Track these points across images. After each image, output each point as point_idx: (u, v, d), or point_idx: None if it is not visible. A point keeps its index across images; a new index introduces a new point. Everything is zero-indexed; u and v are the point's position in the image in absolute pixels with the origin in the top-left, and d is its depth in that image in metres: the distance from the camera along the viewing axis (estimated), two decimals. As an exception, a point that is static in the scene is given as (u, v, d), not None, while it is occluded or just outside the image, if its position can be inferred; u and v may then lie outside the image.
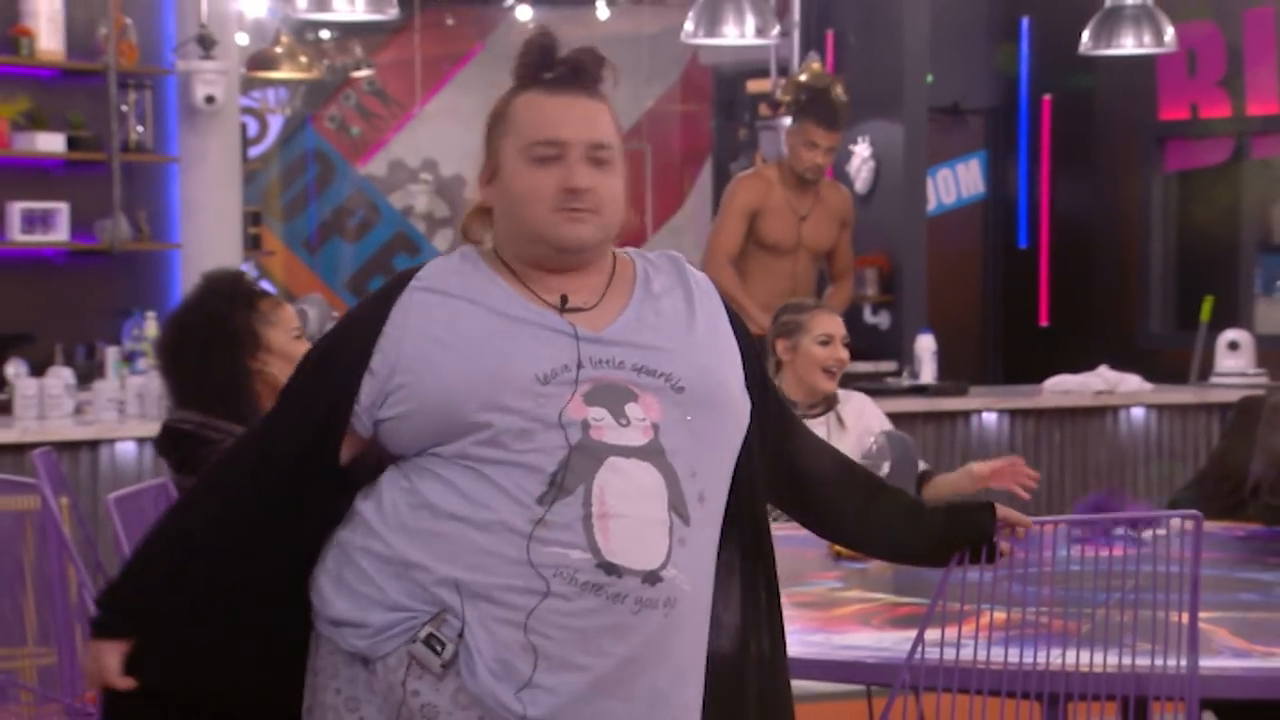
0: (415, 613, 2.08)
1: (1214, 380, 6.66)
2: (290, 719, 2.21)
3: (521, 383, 2.09)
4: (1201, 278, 7.76)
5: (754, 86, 8.72)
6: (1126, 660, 2.67)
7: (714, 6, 5.96)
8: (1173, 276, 8.08)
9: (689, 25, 6.08)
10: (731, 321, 2.27)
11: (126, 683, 2.18)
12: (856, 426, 4.23)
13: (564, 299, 2.17)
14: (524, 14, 9.69)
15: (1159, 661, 2.66)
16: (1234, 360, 6.70)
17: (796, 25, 7.53)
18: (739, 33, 6.01)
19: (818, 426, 4.12)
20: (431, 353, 2.13)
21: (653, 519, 2.09)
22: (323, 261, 10.02)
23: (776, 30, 6.26)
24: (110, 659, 2.18)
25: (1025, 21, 8.32)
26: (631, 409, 2.11)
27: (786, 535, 3.96)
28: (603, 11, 9.56)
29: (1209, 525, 3.44)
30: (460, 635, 2.06)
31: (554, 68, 2.20)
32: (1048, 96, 8.32)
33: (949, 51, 7.97)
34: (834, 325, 4.22)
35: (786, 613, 2.77)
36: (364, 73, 9.60)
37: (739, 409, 2.21)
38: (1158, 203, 8.09)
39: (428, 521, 2.09)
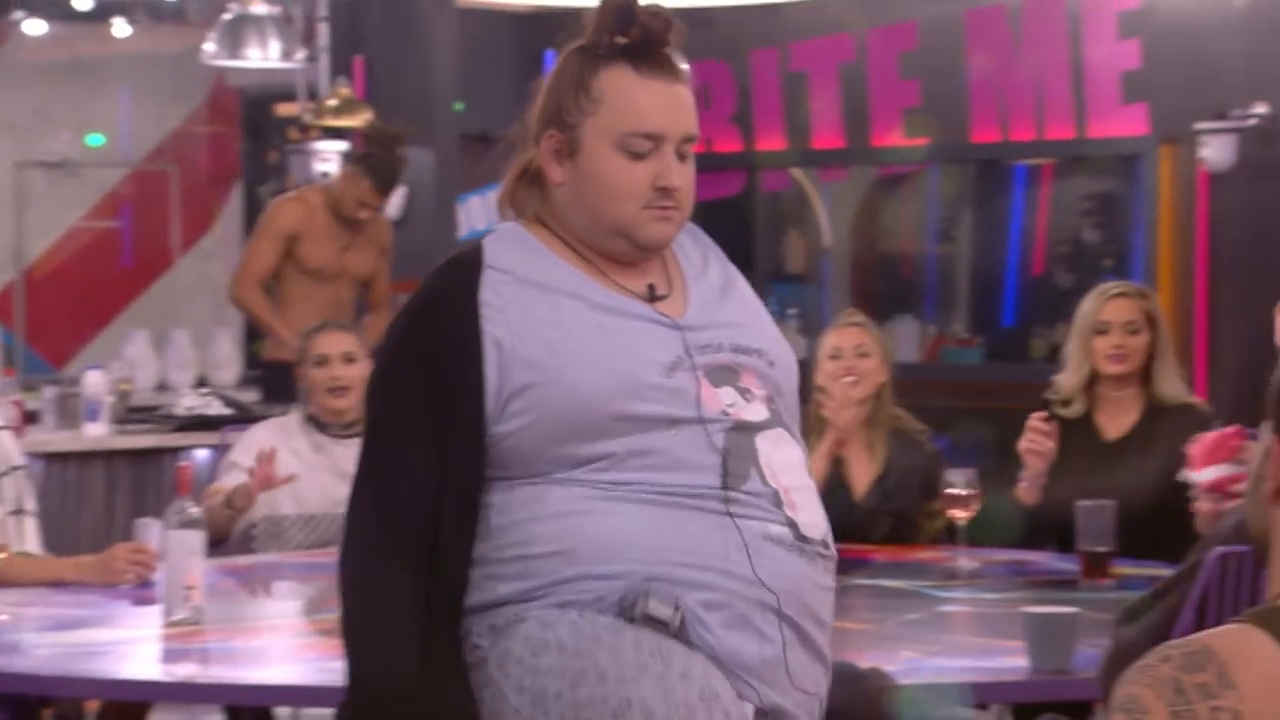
0: (609, 590, 1.94)
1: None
2: None
3: (654, 377, 1.98)
4: (718, 304, 8.05)
5: (283, 110, 8.55)
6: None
7: (236, 28, 5.81)
8: (692, 303, 8.36)
9: (210, 46, 5.91)
10: None
11: None
12: None
13: (651, 288, 2.05)
14: (34, 28, 9.20)
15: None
16: (747, 383, 6.97)
17: (324, 50, 7.42)
18: (262, 55, 5.88)
19: (353, 447, 4.12)
20: (548, 356, 1.96)
21: (810, 487, 2.04)
22: None
23: (302, 54, 6.15)
24: None
25: (550, 54, 8.47)
26: (743, 383, 2.03)
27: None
28: (121, 29, 9.18)
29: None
30: (678, 604, 1.94)
31: (629, 32, 2.01)
32: (573, 128, 8.50)
33: (479, 81, 8.02)
34: (332, 346, 4.27)
35: (309, 641, 2.70)
36: None
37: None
38: (677, 232, 8.36)
39: (596, 521, 1.95)
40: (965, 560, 3.80)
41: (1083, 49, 6.96)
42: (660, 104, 2.01)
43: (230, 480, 4.12)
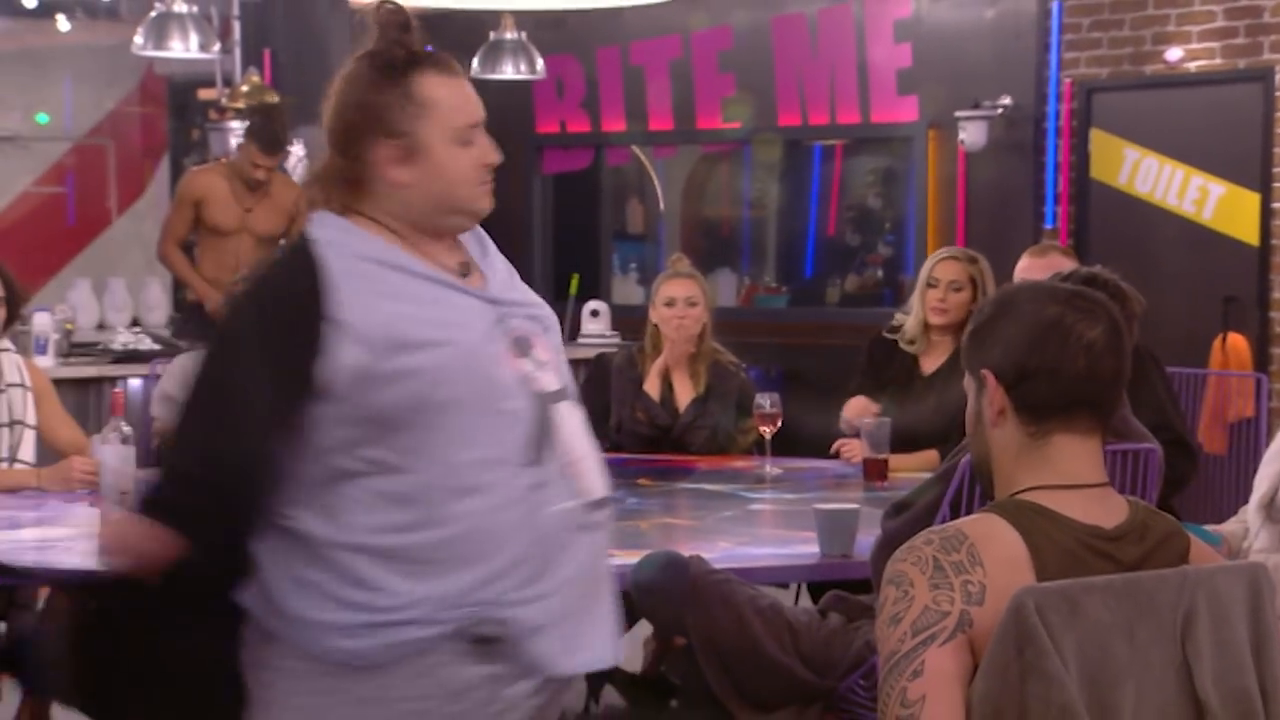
0: (446, 620, 1.83)
1: (580, 341, 6.91)
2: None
3: (482, 346, 1.87)
4: (571, 259, 8.03)
5: (204, 94, 8.34)
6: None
7: (161, 24, 5.63)
8: (550, 259, 8.31)
9: (139, 39, 5.71)
10: None
11: None
12: None
13: (464, 265, 1.95)
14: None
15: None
16: (595, 325, 6.99)
17: (238, 44, 7.24)
18: (184, 48, 5.74)
19: None
20: (407, 326, 1.83)
21: (591, 452, 1.94)
22: None
23: (218, 47, 6.01)
24: None
25: (429, 49, 8.33)
26: (537, 353, 1.92)
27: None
28: (63, 24, 8.86)
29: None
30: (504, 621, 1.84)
31: (409, 42, 1.94)
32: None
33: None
34: None
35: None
36: None
37: None
38: (538, 198, 8.31)
39: (434, 528, 1.82)
40: (771, 468, 3.85)
41: (866, 50, 7.04)
42: (470, 97, 1.96)
43: (163, 409, 4.03)
